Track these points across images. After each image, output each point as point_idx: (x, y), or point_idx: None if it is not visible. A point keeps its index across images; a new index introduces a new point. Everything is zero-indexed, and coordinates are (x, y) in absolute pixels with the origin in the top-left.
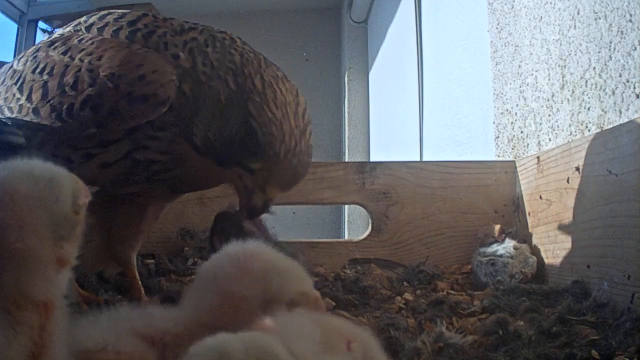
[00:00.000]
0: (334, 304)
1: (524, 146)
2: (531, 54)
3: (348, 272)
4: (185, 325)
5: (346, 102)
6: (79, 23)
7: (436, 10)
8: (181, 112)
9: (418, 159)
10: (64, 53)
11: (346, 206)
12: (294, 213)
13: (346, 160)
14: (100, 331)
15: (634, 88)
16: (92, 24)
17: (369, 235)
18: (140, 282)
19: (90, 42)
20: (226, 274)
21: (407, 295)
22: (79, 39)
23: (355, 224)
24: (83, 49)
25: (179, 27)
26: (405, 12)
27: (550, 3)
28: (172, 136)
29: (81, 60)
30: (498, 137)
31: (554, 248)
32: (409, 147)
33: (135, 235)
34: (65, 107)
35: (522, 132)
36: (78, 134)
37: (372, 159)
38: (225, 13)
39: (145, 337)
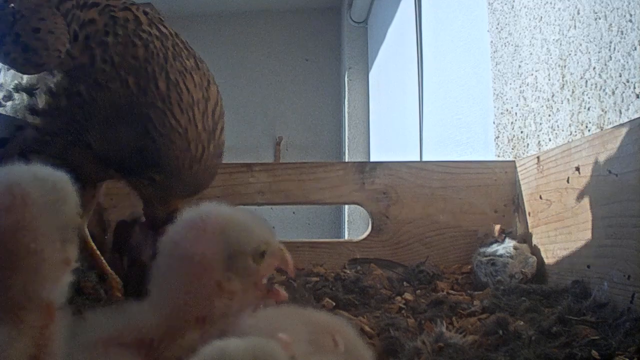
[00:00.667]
0: (334, 304)
1: (524, 146)
2: (531, 54)
3: (348, 272)
4: (164, 314)
5: (346, 102)
6: None
7: (436, 10)
8: (75, 116)
9: (418, 159)
10: None
11: (346, 206)
12: (294, 213)
13: (346, 160)
14: (77, 350)
15: (634, 88)
16: None
17: (369, 235)
18: (100, 255)
19: None
20: (184, 240)
21: (407, 295)
22: None
23: (355, 224)
24: None
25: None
26: (405, 12)
27: (550, 3)
28: (63, 144)
29: None
30: (498, 137)
31: (554, 248)
32: (409, 147)
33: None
34: None
35: (522, 132)
36: None
37: (372, 159)
38: (225, 13)
39: (129, 344)
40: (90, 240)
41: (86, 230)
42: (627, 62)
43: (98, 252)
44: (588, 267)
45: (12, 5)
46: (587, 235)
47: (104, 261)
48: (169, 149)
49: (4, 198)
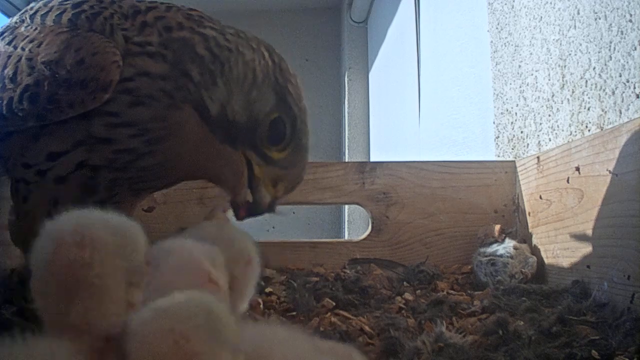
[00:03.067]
0: (334, 303)
1: (524, 146)
2: (531, 54)
3: (348, 272)
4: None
5: (346, 102)
6: (26, 11)
7: (436, 10)
8: (190, 73)
9: (417, 159)
10: (9, 43)
11: (346, 206)
12: (294, 213)
13: (346, 160)
14: None
15: (634, 88)
16: (37, 11)
17: (369, 235)
18: None
19: (33, 28)
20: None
21: (407, 295)
22: (25, 26)
23: (355, 224)
24: (26, 36)
25: (130, 9)
26: (405, 12)
27: (550, 3)
28: (152, 113)
29: (22, 49)
30: (498, 137)
31: (554, 248)
32: (409, 147)
33: None
34: (5, 102)
35: (522, 132)
36: (20, 129)
37: (372, 159)
38: (225, 13)
39: None
40: None
41: None
42: (627, 62)
43: None
44: (588, 267)
45: (42, 61)
46: (587, 235)
47: None
48: (304, 124)
49: (74, 236)
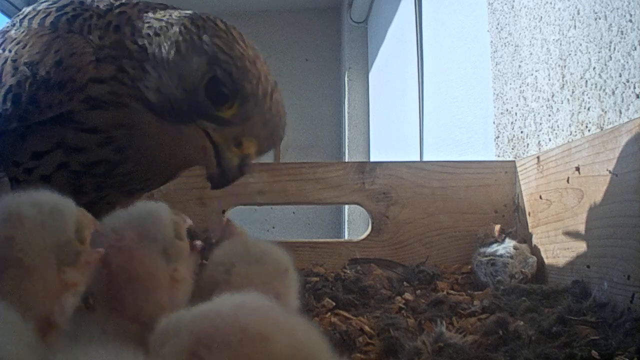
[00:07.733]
0: (334, 303)
1: (524, 146)
2: (531, 54)
3: (348, 272)
4: None
5: (346, 102)
6: (17, 15)
7: (436, 10)
8: (124, 67)
9: (418, 159)
10: None
11: (346, 206)
12: (294, 213)
13: (346, 160)
14: None
15: (634, 88)
16: (26, 15)
17: (369, 235)
18: None
19: (20, 31)
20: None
21: (407, 295)
22: (14, 29)
23: (355, 224)
24: (14, 39)
25: (104, 7)
26: (405, 12)
27: (550, 3)
28: (111, 118)
29: (9, 51)
30: (498, 137)
31: (554, 248)
32: (409, 147)
33: None
34: None
35: (522, 132)
36: (8, 129)
37: (372, 159)
38: (225, 13)
39: None
40: None
41: None
42: (627, 62)
43: None
44: (588, 267)
45: (24, 62)
46: (587, 235)
47: None
48: (244, 73)
49: (2, 214)
